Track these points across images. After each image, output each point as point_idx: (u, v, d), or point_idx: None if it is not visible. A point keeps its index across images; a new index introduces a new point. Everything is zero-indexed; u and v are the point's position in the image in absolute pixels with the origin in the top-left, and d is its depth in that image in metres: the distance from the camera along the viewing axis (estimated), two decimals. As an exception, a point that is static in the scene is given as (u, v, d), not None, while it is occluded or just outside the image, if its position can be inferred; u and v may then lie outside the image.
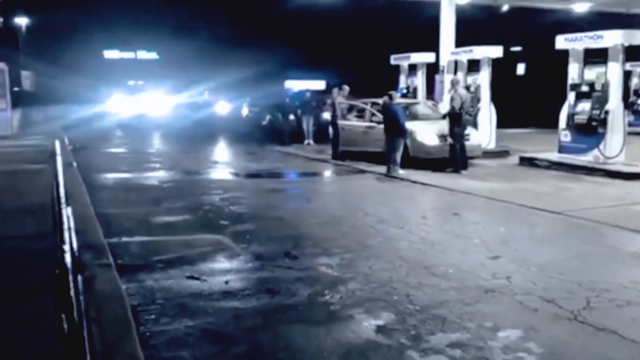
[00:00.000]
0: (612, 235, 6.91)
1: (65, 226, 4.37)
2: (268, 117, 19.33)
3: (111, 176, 11.94)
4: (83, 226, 6.62)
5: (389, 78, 17.46)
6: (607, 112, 11.20)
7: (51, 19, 37.34)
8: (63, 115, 28.06)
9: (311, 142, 17.14)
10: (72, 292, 2.85)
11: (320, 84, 27.30)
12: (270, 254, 6.06)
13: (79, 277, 3.96)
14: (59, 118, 27.08)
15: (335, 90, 14.51)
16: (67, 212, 4.87)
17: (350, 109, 14.47)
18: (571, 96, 11.86)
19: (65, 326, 2.49)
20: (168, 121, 28.11)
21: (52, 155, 9.34)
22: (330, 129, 14.19)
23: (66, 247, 3.63)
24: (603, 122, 11.22)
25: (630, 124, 14.22)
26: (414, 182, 10.58)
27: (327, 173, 12.69)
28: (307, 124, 17.38)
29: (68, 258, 3.51)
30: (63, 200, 5.36)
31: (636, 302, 4.60)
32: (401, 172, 11.19)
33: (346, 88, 14.45)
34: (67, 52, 40.34)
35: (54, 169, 7.91)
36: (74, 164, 10.80)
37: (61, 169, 7.61)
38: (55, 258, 4.48)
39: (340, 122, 13.83)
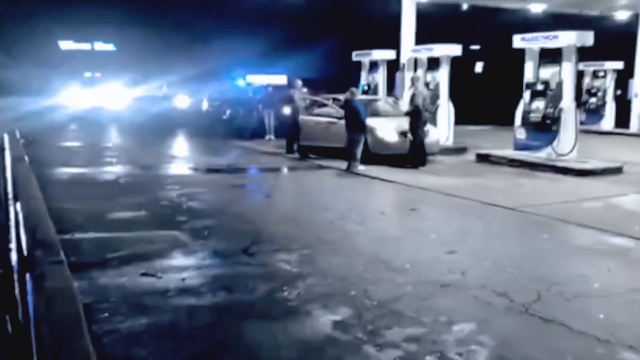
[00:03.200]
0: (563, 230, 7.13)
1: (12, 222, 4.22)
2: (229, 111, 19.10)
3: (65, 171, 11.59)
4: (34, 222, 6.41)
5: (351, 74, 17.51)
6: (560, 111, 11.53)
7: (1, 5, 35.92)
8: (13, 107, 27.06)
9: (272, 137, 17.04)
10: (17, 292, 2.74)
11: (282, 79, 27.15)
12: (228, 250, 6.00)
13: (27, 276, 3.82)
14: (9, 110, 26.10)
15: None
16: (15, 207, 4.69)
17: (312, 104, 14.47)
18: (526, 94, 12.14)
19: (10, 327, 2.40)
20: (126, 115, 27.47)
21: (1, 149, 9.01)
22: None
23: (12, 245, 3.50)
24: (556, 120, 11.56)
25: (582, 123, 14.74)
26: (374, 178, 10.66)
27: (288, 168, 12.66)
28: (269, 119, 17.29)
29: (14, 255, 3.38)
30: (11, 195, 5.17)
31: (584, 295, 4.77)
32: (361, 168, 11.26)
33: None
34: (19, 42, 38.90)
35: (2, 163, 7.63)
36: (26, 158, 10.43)
37: (10, 163, 7.34)
38: (2, 256, 4.32)
39: (301, 117, 13.81)
